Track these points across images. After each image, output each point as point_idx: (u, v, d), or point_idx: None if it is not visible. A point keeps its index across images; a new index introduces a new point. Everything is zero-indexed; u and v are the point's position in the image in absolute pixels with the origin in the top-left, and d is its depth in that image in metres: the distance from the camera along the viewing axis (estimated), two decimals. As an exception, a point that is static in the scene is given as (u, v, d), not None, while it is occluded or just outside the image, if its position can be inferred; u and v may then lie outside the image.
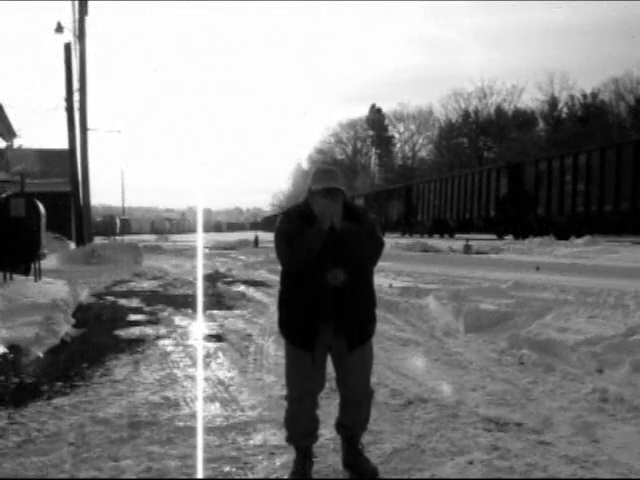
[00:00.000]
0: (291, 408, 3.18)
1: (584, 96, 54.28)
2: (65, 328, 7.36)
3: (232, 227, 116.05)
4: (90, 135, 23.24)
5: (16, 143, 27.30)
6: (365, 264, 3.07)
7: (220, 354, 6.07)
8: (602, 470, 3.16)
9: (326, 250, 2.97)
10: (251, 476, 3.17)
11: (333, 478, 3.17)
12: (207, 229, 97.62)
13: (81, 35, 22.59)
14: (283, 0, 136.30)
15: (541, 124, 58.60)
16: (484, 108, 62.10)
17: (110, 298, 10.84)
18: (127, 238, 43.45)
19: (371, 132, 76.83)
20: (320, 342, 3.06)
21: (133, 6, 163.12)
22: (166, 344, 6.64)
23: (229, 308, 9.33)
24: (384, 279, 11.44)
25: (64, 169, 25.91)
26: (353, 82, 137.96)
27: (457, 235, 32.72)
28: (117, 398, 4.52)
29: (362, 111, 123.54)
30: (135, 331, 7.42)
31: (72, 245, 23.90)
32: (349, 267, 3.01)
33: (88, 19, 22.88)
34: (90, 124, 23.12)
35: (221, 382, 4.99)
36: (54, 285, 10.75)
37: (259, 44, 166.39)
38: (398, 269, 13.60)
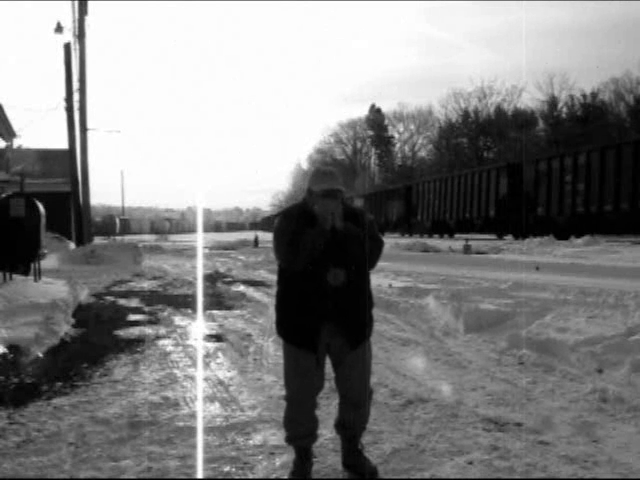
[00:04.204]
0: (290, 409, 3.18)
1: (584, 96, 54.23)
2: (65, 328, 7.37)
3: (232, 227, 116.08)
4: (90, 135, 23.25)
5: (16, 143, 27.27)
6: (366, 264, 3.09)
7: (220, 354, 6.08)
8: (602, 470, 3.16)
9: (326, 250, 2.97)
10: (251, 476, 3.17)
11: (333, 478, 3.17)
12: (207, 229, 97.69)
13: (81, 35, 22.58)
14: (283, 0, 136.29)
15: (541, 124, 58.55)
16: (484, 108, 62.10)
17: (110, 298, 10.84)
18: (127, 238, 43.43)
19: (371, 132, 76.77)
20: (320, 342, 3.07)
21: (133, 6, 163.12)
22: (166, 344, 6.65)
23: (229, 308, 9.33)
24: (384, 279, 11.44)
25: (64, 169, 25.91)
26: (353, 82, 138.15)
27: (457, 235, 32.71)
28: (117, 398, 4.53)
29: (362, 111, 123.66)
30: (135, 331, 7.43)
31: (72, 245, 23.88)
32: (349, 267, 3.03)
33: (88, 19, 22.90)
34: (90, 124, 23.12)
35: (221, 382, 4.99)
36: (54, 285, 10.75)
37: (260, 44, 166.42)
38: (398, 269, 13.60)
